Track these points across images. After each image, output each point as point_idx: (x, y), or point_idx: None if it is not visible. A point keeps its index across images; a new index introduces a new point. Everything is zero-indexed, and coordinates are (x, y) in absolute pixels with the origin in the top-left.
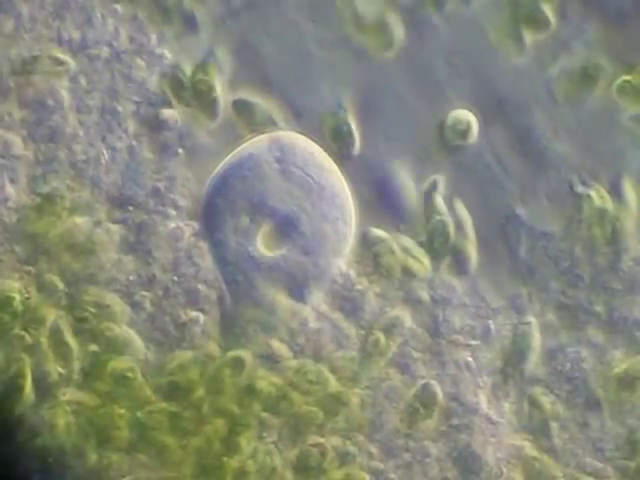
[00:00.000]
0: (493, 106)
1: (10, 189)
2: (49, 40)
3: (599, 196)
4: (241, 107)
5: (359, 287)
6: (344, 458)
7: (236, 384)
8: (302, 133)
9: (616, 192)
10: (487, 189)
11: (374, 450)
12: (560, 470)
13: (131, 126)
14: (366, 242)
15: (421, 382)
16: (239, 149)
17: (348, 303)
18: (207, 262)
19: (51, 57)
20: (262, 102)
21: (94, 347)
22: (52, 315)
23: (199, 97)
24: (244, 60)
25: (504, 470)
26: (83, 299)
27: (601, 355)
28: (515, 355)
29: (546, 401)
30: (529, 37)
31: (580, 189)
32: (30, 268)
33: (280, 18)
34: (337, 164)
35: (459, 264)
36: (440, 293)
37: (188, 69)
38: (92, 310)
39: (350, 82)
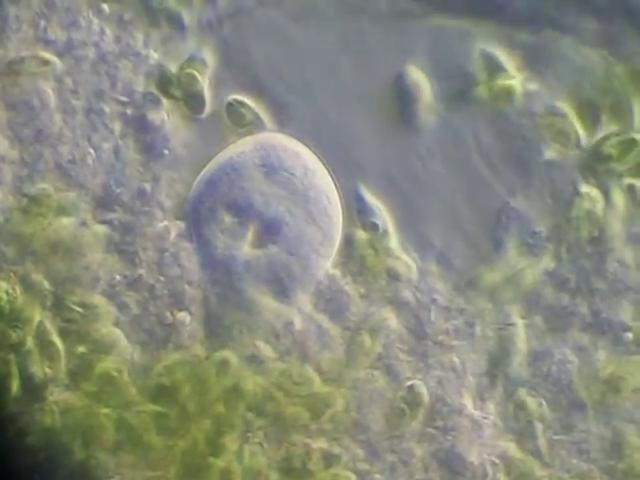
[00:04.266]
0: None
1: None
2: (35, 41)
3: (588, 197)
4: (232, 108)
5: (345, 288)
6: (330, 459)
7: (221, 385)
8: (289, 134)
9: (604, 192)
10: (476, 190)
11: (359, 451)
12: (545, 471)
13: (117, 127)
14: (352, 243)
15: (406, 383)
16: (225, 150)
17: (333, 304)
18: (193, 263)
19: (37, 58)
20: (250, 103)
21: (80, 348)
22: (38, 315)
23: (185, 89)
24: (230, 62)
25: (489, 471)
26: (69, 300)
27: (586, 357)
28: (500, 356)
29: (531, 402)
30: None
31: (577, 189)
32: (16, 268)
33: (267, 20)
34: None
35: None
36: (426, 294)
37: (174, 69)
38: (78, 311)
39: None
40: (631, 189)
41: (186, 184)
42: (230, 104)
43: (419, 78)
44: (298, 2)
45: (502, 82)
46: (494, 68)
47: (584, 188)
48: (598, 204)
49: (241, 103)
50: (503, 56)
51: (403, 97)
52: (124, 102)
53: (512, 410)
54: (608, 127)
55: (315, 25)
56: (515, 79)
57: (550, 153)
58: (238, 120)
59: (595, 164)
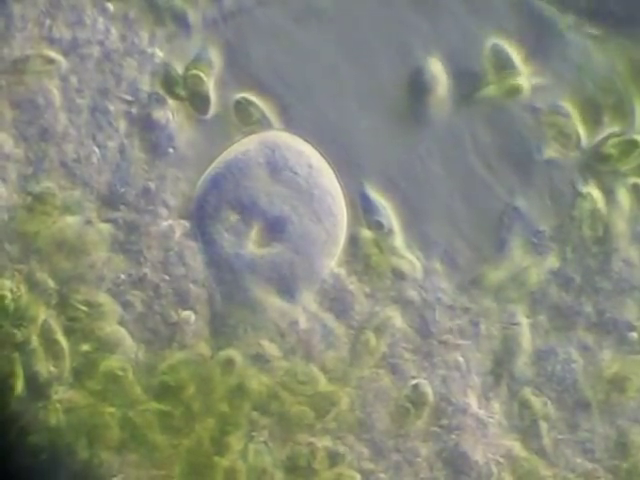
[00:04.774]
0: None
1: (1, 188)
2: (40, 39)
3: (592, 196)
4: (240, 106)
5: (349, 287)
6: (334, 458)
7: (226, 384)
8: (293, 133)
9: (609, 192)
10: (480, 190)
11: (364, 450)
12: (550, 470)
13: (122, 125)
14: (357, 242)
15: (411, 382)
16: (230, 149)
17: (338, 303)
18: (198, 262)
19: (42, 56)
20: (257, 102)
21: (85, 346)
22: (43, 314)
23: (191, 90)
24: (234, 61)
25: (494, 470)
26: (74, 298)
27: (591, 356)
28: (505, 355)
29: (536, 401)
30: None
31: (582, 188)
32: (21, 267)
33: (269, 20)
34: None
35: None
36: (430, 293)
37: (179, 68)
38: (83, 309)
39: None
40: (636, 188)
41: (191, 183)
42: (239, 102)
43: (438, 72)
44: (299, 2)
45: (511, 81)
46: (504, 65)
47: (585, 188)
48: (600, 204)
49: (249, 101)
50: (513, 53)
51: (418, 90)
52: (129, 101)
53: (517, 409)
54: (610, 127)
55: (316, 25)
56: (523, 77)
57: (551, 153)
58: (245, 118)
59: (596, 164)
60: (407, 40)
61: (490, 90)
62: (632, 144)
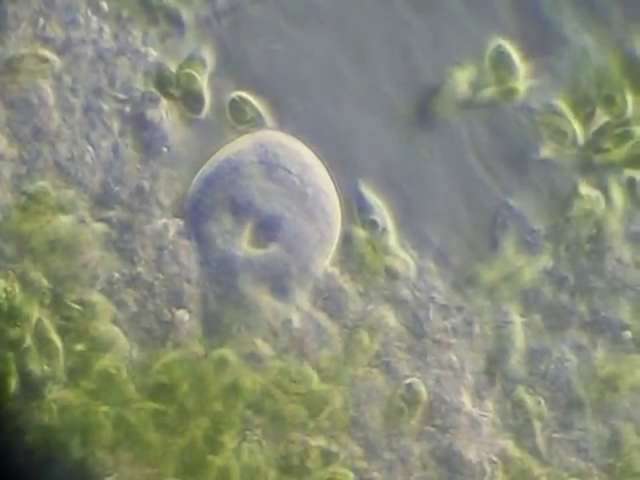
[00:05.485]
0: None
1: None
2: (34, 38)
3: (587, 195)
4: (235, 104)
5: (343, 286)
6: (328, 457)
7: (220, 382)
8: (288, 132)
9: (603, 190)
10: (474, 188)
11: (358, 449)
12: (544, 469)
13: (116, 124)
14: (351, 241)
15: (405, 381)
16: (223, 148)
17: (332, 302)
18: (191, 261)
19: (36, 55)
20: (252, 101)
21: (79, 345)
22: (37, 313)
23: (184, 89)
24: (229, 60)
25: (487, 469)
26: (68, 297)
27: (585, 355)
28: (499, 354)
29: (530, 400)
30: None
31: (577, 187)
32: (15, 266)
33: (263, 19)
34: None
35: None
36: (424, 292)
37: (173, 67)
38: (77, 308)
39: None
40: (630, 183)
41: (185, 182)
42: (234, 100)
43: (465, 80)
44: (297, 1)
45: (511, 83)
46: (505, 67)
47: (582, 187)
48: (594, 203)
49: (244, 100)
50: (515, 55)
51: (440, 93)
52: (123, 100)
53: (510, 408)
54: (603, 119)
55: (311, 23)
56: (521, 78)
57: (547, 151)
58: (239, 117)
59: (591, 158)
60: (405, 39)
61: (489, 92)
62: (626, 135)
